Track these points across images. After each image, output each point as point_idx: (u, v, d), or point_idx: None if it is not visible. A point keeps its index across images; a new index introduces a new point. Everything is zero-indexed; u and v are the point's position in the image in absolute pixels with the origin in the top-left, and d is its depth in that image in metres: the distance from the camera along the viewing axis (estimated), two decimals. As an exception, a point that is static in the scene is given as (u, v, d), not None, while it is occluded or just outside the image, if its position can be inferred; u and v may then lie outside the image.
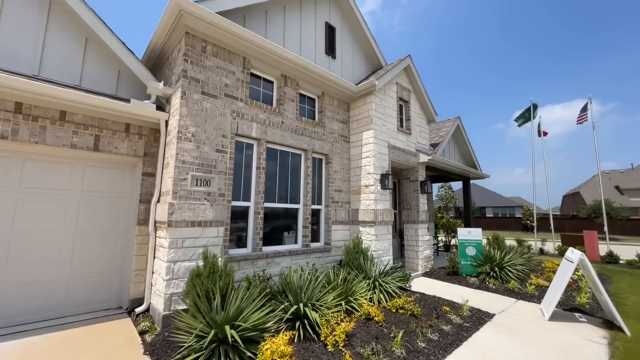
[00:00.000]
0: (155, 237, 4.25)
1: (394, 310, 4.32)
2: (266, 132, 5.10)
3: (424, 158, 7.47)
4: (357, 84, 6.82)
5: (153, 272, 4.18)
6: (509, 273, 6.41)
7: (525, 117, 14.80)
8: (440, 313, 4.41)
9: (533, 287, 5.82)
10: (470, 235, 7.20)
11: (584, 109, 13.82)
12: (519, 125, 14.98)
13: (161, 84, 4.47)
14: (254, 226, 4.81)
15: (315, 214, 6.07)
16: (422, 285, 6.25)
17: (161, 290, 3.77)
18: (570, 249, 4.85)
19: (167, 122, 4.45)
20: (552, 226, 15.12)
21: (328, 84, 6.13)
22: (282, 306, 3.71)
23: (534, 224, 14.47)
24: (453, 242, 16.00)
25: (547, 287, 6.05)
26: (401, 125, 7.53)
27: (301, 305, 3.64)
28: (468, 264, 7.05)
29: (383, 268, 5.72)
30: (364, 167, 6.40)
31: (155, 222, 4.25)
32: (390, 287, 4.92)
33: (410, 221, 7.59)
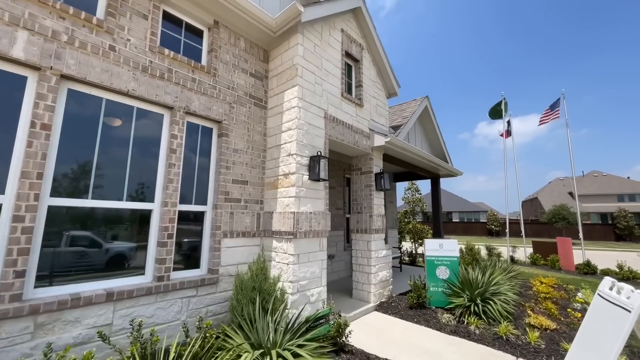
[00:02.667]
0: None
1: None
2: (62, 57, 2.56)
3: (379, 141, 5.30)
4: (281, 23, 4.48)
5: None
6: (496, 307, 4.35)
7: (497, 110, 13.54)
8: None
9: (536, 332, 3.77)
10: (442, 249, 5.09)
11: (554, 106, 12.78)
12: (492, 118, 13.72)
13: None
14: (7, 244, 2.23)
15: (197, 219, 3.59)
16: (370, 330, 3.98)
17: None
18: (608, 280, 2.82)
19: None
20: (523, 232, 13.80)
21: (227, 7, 3.73)
22: None
23: (506, 229, 12.96)
24: (420, 250, 14.23)
25: (555, 330, 4.04)
26: (348, 92, 5.31)
27: None
28: (439, 291, 4.92)
29: (297, 317, 3.35)
30: (283, 145, 4.04)
31: None
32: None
33: (360, 230, 5.35)
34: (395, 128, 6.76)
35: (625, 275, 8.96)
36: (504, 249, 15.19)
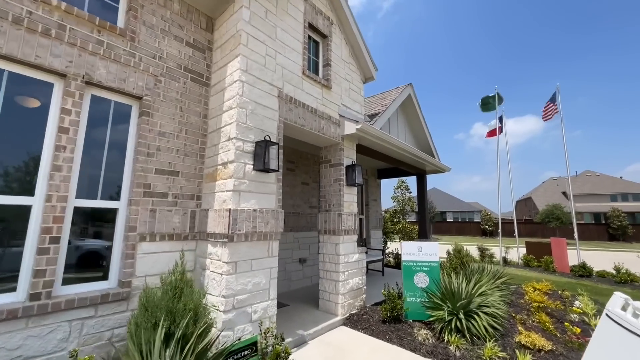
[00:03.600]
0: None
1: None
2: None
3: (350, 128, 4.60)
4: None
5: None
6: (482, 322, 3.67)
7: (490, 103, 13.00)
8: None
9: (528, 356, 3.08)
10: (421, 253, 4.41)
11: (552, 100, 12.24)
12: (483, 110, 13.17)
13: None
14: None
15: (107, 218, 2.85)
16: (330, 352, 3.27)
17: None
18: (620, 297, 2.15)
19: None
20: (516, 232, 13.21)
21: (147, -43, 3.00)
22: None
23: (499, 230, 12.35)
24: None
25: (550, 351, 3.36)
26: (314, 71, 4.61)
27: None
28: (417, 301, 4.24)
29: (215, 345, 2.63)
30: (223, 128, 3.32)
31: None
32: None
33: (327, 231, 4.64)
34: (373, 116, 6.07)
35: (623, 279, 8.38)
36: (497, 249, 14.64)
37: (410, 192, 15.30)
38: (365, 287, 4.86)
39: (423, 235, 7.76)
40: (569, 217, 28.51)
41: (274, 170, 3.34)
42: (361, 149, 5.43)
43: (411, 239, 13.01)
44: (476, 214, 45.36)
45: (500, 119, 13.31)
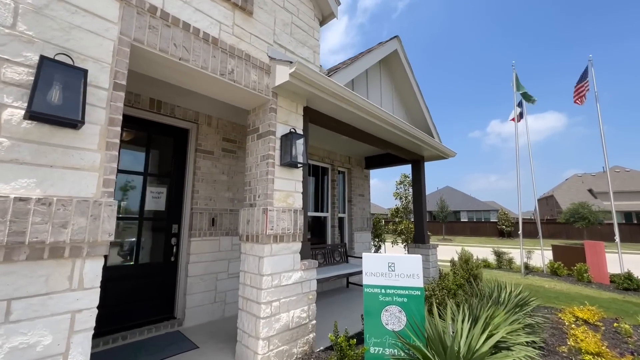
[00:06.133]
0: None
1: None
2: None
3: (282, 74, 2.93)
4: None
5: None
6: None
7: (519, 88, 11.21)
8: None
9: None
10: (393, 274, 2.67)
11: (583, 78, 10.15)
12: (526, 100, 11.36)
13: None
14: None
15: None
16: None
17: None
18: None
19: None
20: (540, 233, 11.08)
21: None
22: None
23: (519, 232, 10.33)
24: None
25: None
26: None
27: None
28: (385, 354, 2.52)
29: None
30: (-20, 41, 1.72)
31: None
32: None
33: (249, 237, 2.99)
34: (334, 70, 4.33)
35: (693, 297, 6.31)
36: (516, 252, 12.55)
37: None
38: (313, 321, 3.17)
39: (419, 239, 5.98)
40: (597, 216, 25.65)
41: (63, 120, 1.72)
42: (318, 119, 3.74)
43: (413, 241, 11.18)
44: (493, 214, 42.52)
45: (520, 104, 11.30)
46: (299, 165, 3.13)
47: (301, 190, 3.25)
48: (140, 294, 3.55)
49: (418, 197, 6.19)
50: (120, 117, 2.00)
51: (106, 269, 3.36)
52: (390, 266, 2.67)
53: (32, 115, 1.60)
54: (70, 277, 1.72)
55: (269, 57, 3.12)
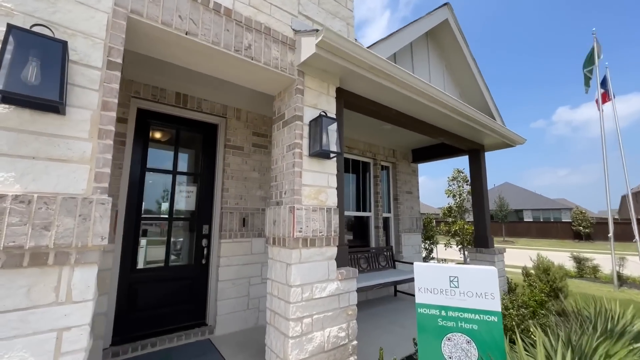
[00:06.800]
0: None
1: None
2: None
3: (308, 46, 2.46)
4: None
5: None
6: None
7: (590, 64, 9.35)
8: None
9: None
10: (457, 290, 2.02)
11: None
12: (586, 84, 9.55)
13: None
14: None
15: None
16: None
17: None
18: None
19: None
20: (637, 235, 8.98)
21: None
22: None
23: (610, 234, 8.47)
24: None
25: None
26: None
27: None
28: (450, 400, 1.90)
29: None
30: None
31: None
32: None
33: (276, 240, 2.58)
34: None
35: None
36: (601, 258, 10.48)
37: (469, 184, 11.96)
38: (354, 342, 2.63)
39: (481, 242, 5.05)
40: None
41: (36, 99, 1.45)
42: (354, 103, 3.21)
43: (470, 244, 9.93)
44: (565, 213, 37.16)
45: (604, 82, 9.26)
46: (331, 155, 2.63)
47: (335, 185, 2.75)
48: (171, 298, 3.38)
49: (478, 194, 5.26)
50: (116, 101, 1.71)
51: (136, 271, 3.26)
52: (452, 281, 2.03)
53: (3, 96, 1.35)
54: (56, 288, 1.45)
55: (293, 30, 2.68)
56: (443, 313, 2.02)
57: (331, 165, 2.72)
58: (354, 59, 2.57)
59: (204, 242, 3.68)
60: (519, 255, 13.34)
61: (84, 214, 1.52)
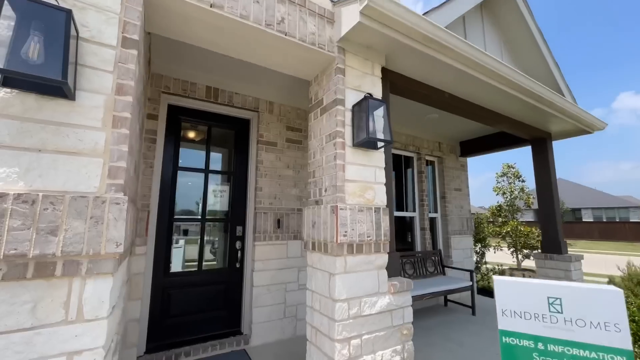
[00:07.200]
0: None
1: None
2: None
3: (351, 15, 2.08)
4: None
5: None
6: None
7: None
8: None
9: None
10: (562, 310, 1.51)
11: None
12: None
13: None
14: None
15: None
16: None
17: None
18: None
19: None
20: None
21: None
22: None
23: None
24: (527, 263, 9.33)
25: None
26: None
27: None
28: None
29: None
30: None
31: None
32: None
33: (315, 245, 2.22)
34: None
35: None
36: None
37: (524, 181, 10.73)
38: (411, 368, 2.20)
39: (551, 246, 4.29)
40: None
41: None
42: (401, 86, 2.77)
43: (528, 246, 8.86)
44: (633, 212, 32.68)
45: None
46: (379, 145, 2.22)
47: (384, 180, 2.33)
48: (205, 304, 3.19)
49: (546, 191, 4.48)
50: (132, 84, 1.47)
51: (169, 275, 3.11)
52: (552, 303, 1.52)
53: (4, 76, 1.15)
54: (65, 303, 1.23)
55: (332, 1, 2.31)
56: (541, 346, 1.52)
57: (379, 157, 2.31)
58: (405, 28, 2.14)
59: (238, 244, 3.46)
60: (586, 261, 11.73)
61: (96, 216, 1.28)
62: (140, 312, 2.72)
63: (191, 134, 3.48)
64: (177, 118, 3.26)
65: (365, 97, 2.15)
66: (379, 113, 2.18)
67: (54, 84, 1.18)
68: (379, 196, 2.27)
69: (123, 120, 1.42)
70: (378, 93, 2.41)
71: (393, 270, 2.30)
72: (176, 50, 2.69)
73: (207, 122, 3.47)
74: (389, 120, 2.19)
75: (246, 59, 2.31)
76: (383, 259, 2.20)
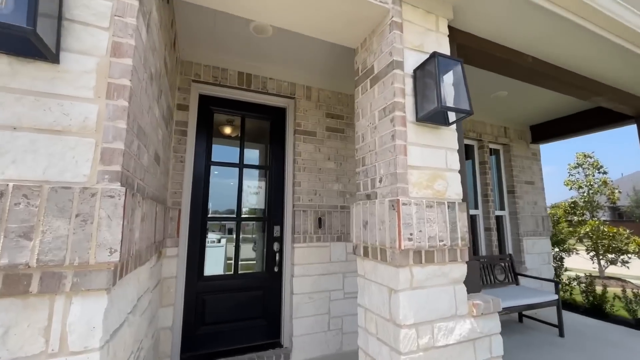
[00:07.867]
0: None
1: None
2: None
3: (411, -54, 1.56)
4: None
5: None
6: None
7: None
8: None
9: None
10: None
11: None
12: None
13: None
14: None
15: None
16: None
17: None
18: None
19: None
20: None
21: None
22: None
23: None
24: (611, 271, 7.81)
25: None
26: None
27: None
28: None
29: None
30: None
31: None
32: None
33: (369, 251, 1.74)
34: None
35: None
36: None
37: (605, 173, 9.03)
38: (504, 421, 1.62)
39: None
40: None
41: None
42: (472, 50, 2.18)
43: (616, 251, 7.38)
44: None
45: None
46: (451, 119, 1.67)
47: (457, 166, 1.77)
48: (241, 311, 2.89)
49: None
50: (133, 43, 1.13)
51: (203, 279, 2.84)
52: None
53: (-42, 29, 0.87)
54: (46, 330, 0.92)
55: (383, -63, 1.81)
56: None
57: (450, 136, 1.76)
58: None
59: (276, 246, 3.11)
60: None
61: (84, 214, 0.96)
62: (172, 319, 2.49)
63: (224, 126, 3.22)
64: (209, 109, 3.00)
65: (432, 55, 1.61)
66: (450, 76, 1.63)
67: (19, 32, 0.87)
68: (453, 187, 1.72)
69: (120, 89, 1.09)
70: (443, 48, 1.85)
71: (473, 285, 1.74)
72: (205, 31, 2.41)
73: (240, 113, 3.17)
74: (466, 85, 1.62)
75: (279, 24, 1.91)
76: (461, 270, 1.65)
